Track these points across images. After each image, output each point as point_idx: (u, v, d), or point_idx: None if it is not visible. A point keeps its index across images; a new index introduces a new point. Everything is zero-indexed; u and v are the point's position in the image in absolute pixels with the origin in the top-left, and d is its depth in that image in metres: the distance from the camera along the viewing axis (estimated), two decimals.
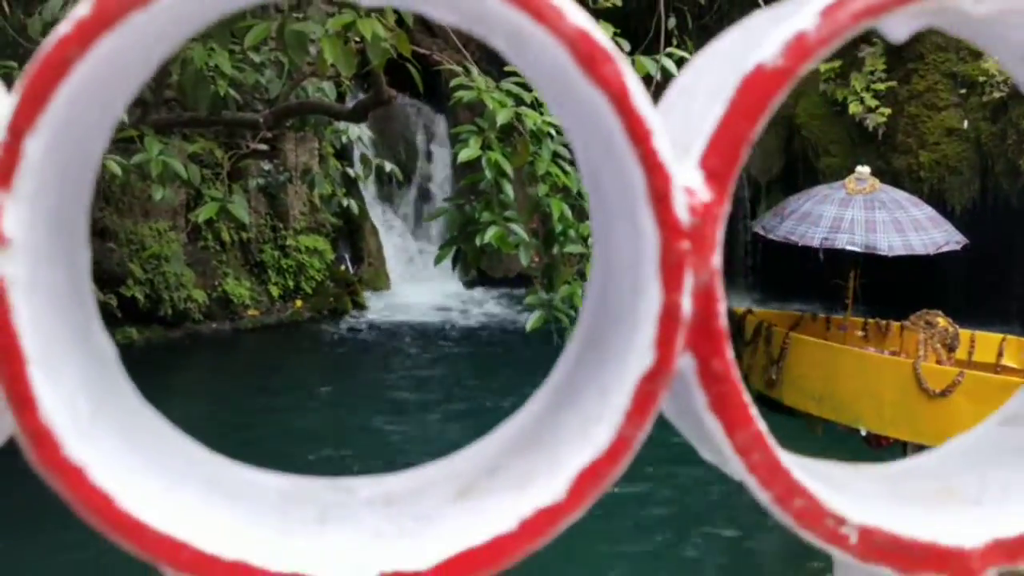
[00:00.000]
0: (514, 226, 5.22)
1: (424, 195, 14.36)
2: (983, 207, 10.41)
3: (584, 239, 5.25)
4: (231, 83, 4.93)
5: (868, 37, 11.33)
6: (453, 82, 5.17)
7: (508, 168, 5.11)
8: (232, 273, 11.32)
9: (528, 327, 5.35)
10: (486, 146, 5.13)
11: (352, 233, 13.27)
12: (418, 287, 13.52)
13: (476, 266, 6.61)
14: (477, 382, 9.90)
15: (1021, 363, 8.13)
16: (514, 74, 5.08)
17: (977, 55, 10.80)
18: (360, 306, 12.79)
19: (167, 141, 5.19)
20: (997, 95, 10.49)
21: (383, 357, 10.79)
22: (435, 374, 10.00)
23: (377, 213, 13.97)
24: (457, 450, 0.38)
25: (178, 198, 9.82)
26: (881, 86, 11.12)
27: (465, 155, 5.06)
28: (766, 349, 8.30)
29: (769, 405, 8.27)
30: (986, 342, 8.28)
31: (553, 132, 5.15)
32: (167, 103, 6.13)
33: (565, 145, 5.24)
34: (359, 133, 6.84)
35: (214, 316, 11.11)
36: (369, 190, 13.53)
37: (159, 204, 7.97)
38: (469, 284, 14.13)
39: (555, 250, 5.32)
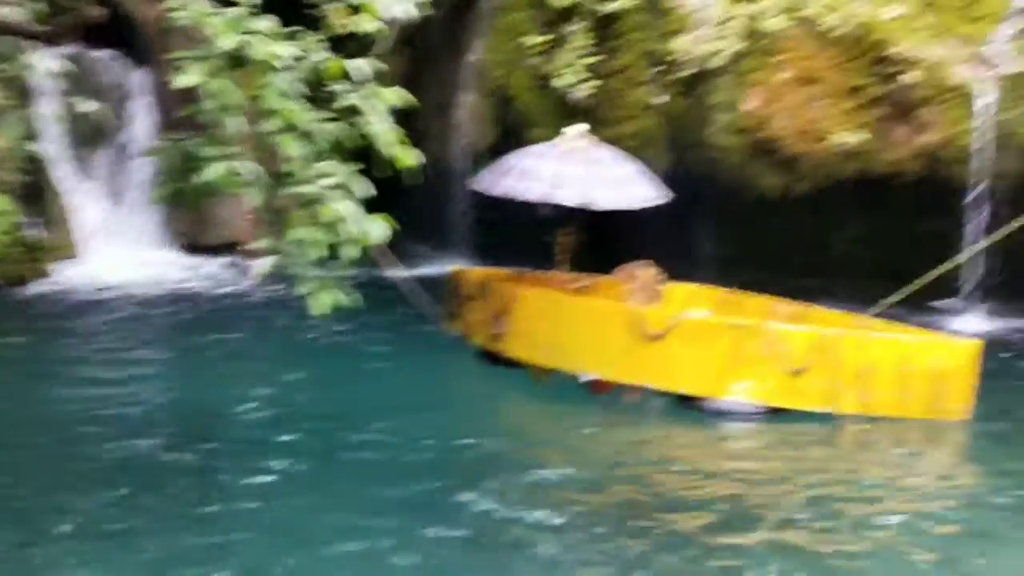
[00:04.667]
0: (241, 164, 4.66)
1: (123, 154, 12.99)
2: (675, 175, 10.95)
3: (315, 180, 4.78)
4: None
5: (574, 13, 11.58)
6: (167, 2, 4.50)
7: (234, 100, 4.54)
8: None
9: (256, 274, 4.84)
10: (209, 75, 4.52)
11: (37, 192, 11.67)
12: (115, 253, 12.23)
13: (197, 208, 6.00)
14: (165, 354, 9.09)
15: (710, 309, 8.61)
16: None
17: (671, 34, 11.35)
18: (44, 274, 11.35)
19: None
20: (687, 73, 11.07)
21: (66, 330, 9.61)
22: (125, 345, 8.96)
23: (68, 172, 12.44)
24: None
25: None
26: (587, 61, 11.40)
27: (183, 81, 4.45)
28: (489, 304, 8.23)
29: (494, 359, 8.22)
30: (680, 291, 8.72)
31: (285, 64, 4.63)
32: None
33: (299, 80, 4.75)
34: (51, 67, 5.88)
35: None
36: (59, 145, 12.06)
37: None
38: (180, 249, 13.04)
39: (287, 191, 4.82)
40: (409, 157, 4.80)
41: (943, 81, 10.29)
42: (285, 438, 6.53)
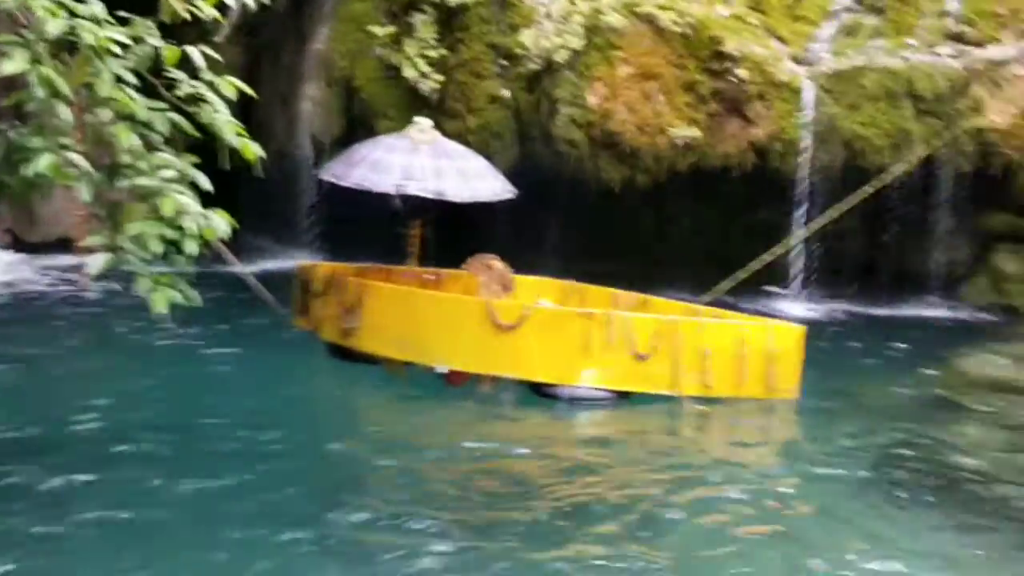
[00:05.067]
0: (72, 155, 4.39)
1: None
2: (522, 168, 11.09)
3: (154, 172, 4.56)
4: None
5: (419, 4, 11.52)
6: None
7: (63, 87, 4.27)
8: None
9: (92, 272, 4.58)
10: (35, 61, 4.24)
11: None
12: None
13: (24, 202, 5.61)
14: None
15: (556, 301, 8.78)
16: None
17: (516, 28, 11.45)
18: None
19: None
20: (532, 67, 11.20)
21: None
22: None
23: None
24: None
25: None
26: (433, 53, 11.36)
27: (9, 68, 4.15)
28: (339, 299, 8.08)
29: (346, 355, 8.09)
30: (527, 283, 8.85)
31: (118, 50, 4.39)
32: None
33: (131, 70, 4.51)
34: None
35: None
36: None
37: None
38: (4, 247, 12.20)
39: (122, 184, 4.57)
40: (251, 149, 4.65)
41: (771, 77, 10.84)
42: (128, 449, 6.12)
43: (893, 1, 11.59)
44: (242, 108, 4.83)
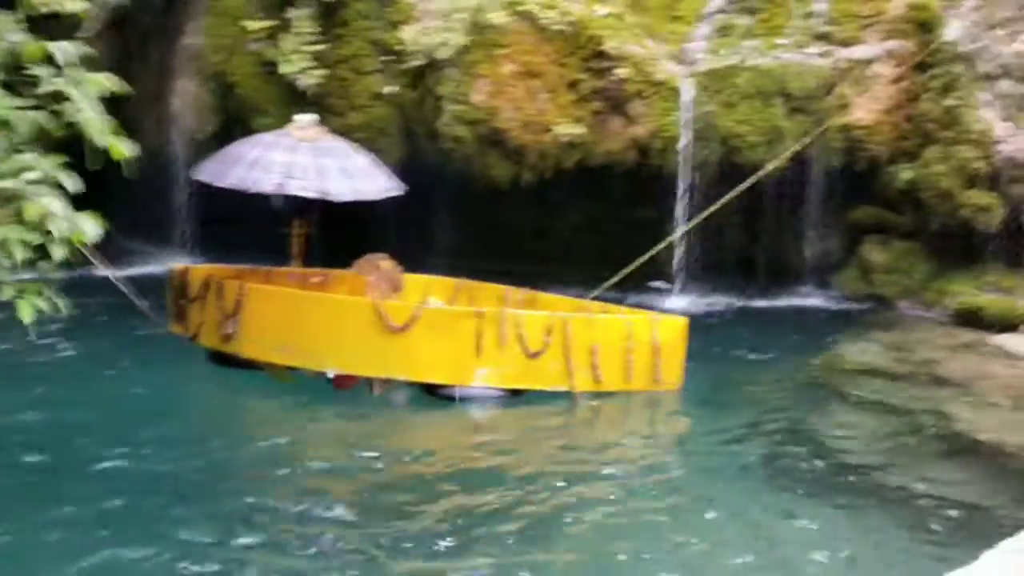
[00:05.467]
0: None
1: None
2: (408, 166, 10.93)
3: (17, 174, 4.23)
4: None
5: None
6: None
7: None
8: None
9: None
10: None
11: None
12: None
13: None
14: None
15: (444, 299, 8.69)
16: None
17: (397, 25, 11.26)
18: None
19: None
20: (415, 63, 11.04)
21: None
22: None
23: None
24: None
25: None
26: (312, 48, 11.07)
27: None
28: (218, 304, 7.77)
29: (227, 361, 7.78)
30: (416, 283, 8.73)
31: None
32: None
33: None
34: None
35: None
36: None
37: None
38: None
39: None
40: (123, 148, 4.36)
41: (650, 76, 10.99)
42: None
43: (764, 2, 11.92)
44: (114, 105, 4.53)
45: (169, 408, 7.16)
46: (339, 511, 5.42)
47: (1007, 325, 10.15)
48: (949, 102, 11.07)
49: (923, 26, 11.54)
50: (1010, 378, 8.62)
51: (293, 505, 5.52)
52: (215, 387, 7.83)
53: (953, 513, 5.71)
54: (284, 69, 11.06)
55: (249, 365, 7.63)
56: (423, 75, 11.08)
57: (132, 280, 8.93)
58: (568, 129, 10.82)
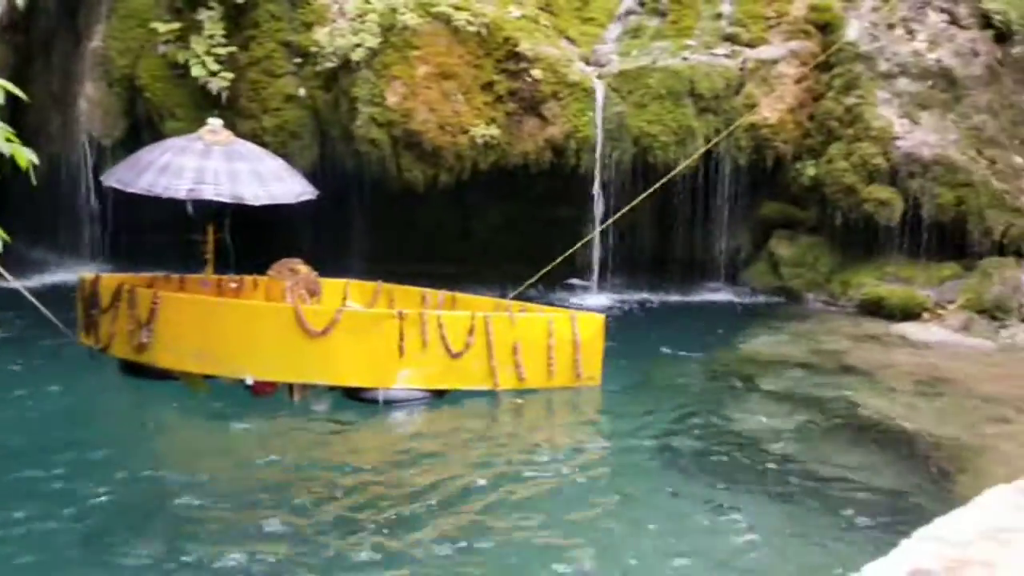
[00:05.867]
0: None
1: None
2: (323, 169, 10.80)
3: None
4: None
5: (206, 0, 10.95)
6: None
7: None
8: None
9: None
10: None
11: None
12: None
13: None
14: None
15: (363, 303, 8.61)
16: None
17: (309, 26, 11.10)
18: None
19: None
20: (328, 65, 10.90)
21: None
22: None
23: None
24: None
25: None
26: (222, 51, 10.83)
27: None
28: (131, 313, 7.54)
29: (141, 371, 7.56)
30: (333, 287, 8.63)
31: None
32: None
33: None
34: None
35: None
36: None
37: None
38: None
39: None
40: (23, 155, 4.19)
41: (564, 78, 11.07)
42: None
43: (673, 4, 12.13)
44: (12, 112, 4.36)
45: (85, 425, 6.92)
46: (267, 522, 5.30)
47: (908, 314, 10.54)
48: (850, 100, 11.44)
49: (825, 27, 11.91)
50: (912, 365, 8.95)
51: (220, 519, 5.38)
52: (131, 400, 7.59)
53: (866, 497, 5.89)
54: (195, 72, 10.80)
55: (164, 375, 7.42)
56: (337, 77, 10.95)
57: (38, 291, 8.61)
58: (484, 130, 10.82)
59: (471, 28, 10.89)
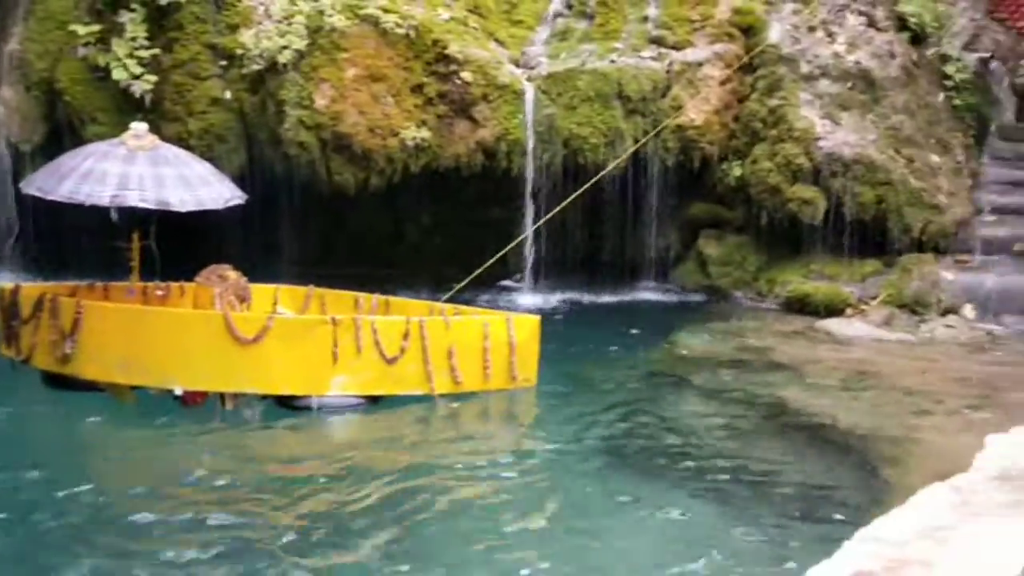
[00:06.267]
0: None
1: None
2: (251, 173, 10.59)
3: None
4: None
5: (127, 1, 10.66)
6: None
7: None
8: None
9: None
10: None
11: None
12: None
13: None
14: None
15: (294, 308, 8.49)
16: None
17: (234, 28, 10.86)
18: None
19: None
20: (255, 68, 10.68)
21: None
22: None
23: None
24: None
25: None
26: (145, 53, 10.54)
27: None
28: (54, 323, 7.29)
29: (65, 383, 7.30)
30: (263, 292, 8.49)
31: None
32: None
33: None
34: None
35: None
36: None
37: None
38: None
39: None
40: None
41: (494, 80, 11.05)
42: None
43: (600, 7, 12.20)
44: None
45: (8, 440, 6.64)
46: (207, 536, 5.15)
47: (833, 310, 10.79)
48: (774, 102, 11.65)
49: (748, 30, 12.11)
50: (837, 361, 9.16)
51: (162, 537, 5.21)
52: (51, 412, 7.32)
53: (797, 493, 5.97)
54: (116, 75, 10.48)
55: (89, 387, 7.18)
56: (263, 80, 10.73)
57: None
58: (415, 133, 10.73)
59: (400, 30, 10.78)
